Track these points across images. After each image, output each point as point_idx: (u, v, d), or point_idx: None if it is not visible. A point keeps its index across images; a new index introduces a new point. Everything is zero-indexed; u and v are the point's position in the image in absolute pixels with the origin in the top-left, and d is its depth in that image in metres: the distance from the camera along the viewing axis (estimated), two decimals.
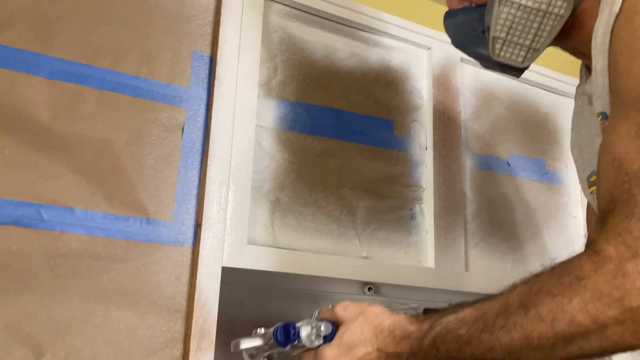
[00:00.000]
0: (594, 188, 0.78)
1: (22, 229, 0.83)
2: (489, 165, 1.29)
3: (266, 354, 0.78)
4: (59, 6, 0.91)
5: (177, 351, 0.88)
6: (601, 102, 0.68)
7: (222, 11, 1.03)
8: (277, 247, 1.01)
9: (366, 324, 0.73)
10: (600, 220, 0.60)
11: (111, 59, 0.93)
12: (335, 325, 0.74)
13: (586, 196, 0.82)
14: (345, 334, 0.73)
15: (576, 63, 0.84)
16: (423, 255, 1.16)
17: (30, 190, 0.84)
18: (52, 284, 0.83)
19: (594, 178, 0.77)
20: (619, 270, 0.54)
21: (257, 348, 0.78)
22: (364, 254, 1.10)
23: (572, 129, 0.88)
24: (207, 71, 1.01)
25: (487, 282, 1.19)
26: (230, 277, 0.98)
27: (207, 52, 1.02)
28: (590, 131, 0.79)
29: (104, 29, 0.94)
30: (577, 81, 0.85)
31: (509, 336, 0.60)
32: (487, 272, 1.22)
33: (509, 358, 0.62)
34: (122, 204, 0.90)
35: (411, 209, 1.18)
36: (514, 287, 0.63)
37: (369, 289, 1.35)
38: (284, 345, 0.74)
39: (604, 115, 0.68)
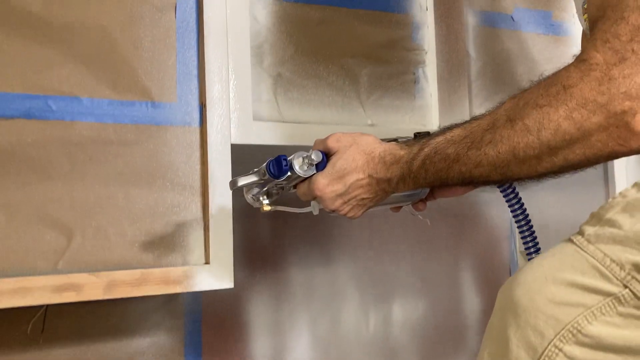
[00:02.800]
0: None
1: (34, 121, 0.85)
2: (492, 22, 1.26)
3: (265, 189, 0.81)
4: None
5: (198, 225, 0.93)
6: None
7: None
8: (283, 122, 1.03)
9: (358, 152, 0.75)
10: (590, 29, 0.60)
11: None
12: (328, 156, 0.76)
13: (581, 24, 0.81)
14: (338, 162, 0.75)
15: None
16: (428, 118, 1.18)
17: (34, 83, 0.86)
18: (71, 170, 0.87)
19: None
20: (605, 76, 0.55)
21: (255, 184, 0.80)
22: (369, 122, 1.12)
23: None
24: None
25: None
26: (240, 154, 1.02)
27: None
28: None
29: None
30: None
31: (496, 150, 0.62)
32: None
33: (496, 173, 0.64)
34: (126, 89, 0.91)
35: (414, 73, 1.18)
36: (501, 104, 0.64)
37: None
38: (278, 177, 0.76)
39: None
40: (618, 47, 0.55)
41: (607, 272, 0.57)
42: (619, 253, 0.57)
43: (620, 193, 0.63)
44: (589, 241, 0.60)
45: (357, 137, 0.76)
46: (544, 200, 1.53)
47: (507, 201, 0.79)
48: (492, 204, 1.59)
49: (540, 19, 1.32)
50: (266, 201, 0.82)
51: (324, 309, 1.35)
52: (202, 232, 0.94)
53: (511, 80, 1.28)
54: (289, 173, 0.76)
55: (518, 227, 0.80)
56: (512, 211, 0.79)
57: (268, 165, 0.76)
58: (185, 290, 0.90)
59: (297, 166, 0.76)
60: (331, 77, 1.09)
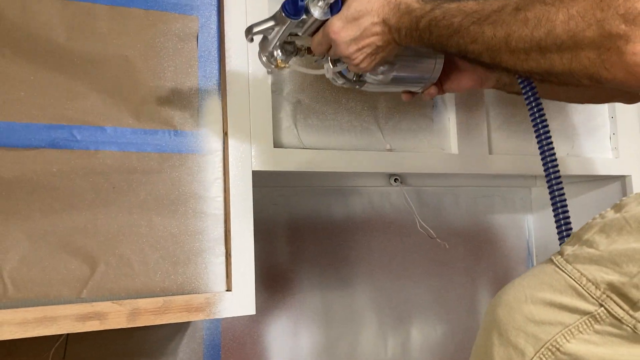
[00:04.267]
0: None
1: (59, 151, 0.86)
2: None
3: (278, 42, 0.81)
4: None
5: (220, 252, 0.94)
6: None
7: None
8: (303, 148, 1.04)
9: None
10: None
11: None
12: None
13: None
14: (353, 4, 0.75)
15: None
16: (446, 142, 1.18)
17: (59, 113, 0.87)
18: (95, 199, 0.88)
19: None
20: None
21: (269, 31, 0.81)
22: (388, 147, 1.12)
23: None
24: None
25: (511, 163, 1.22)
26: (262, 180, 1.02)
27: None
28: None
29: None
30: None
31: (493, 31, 0.63)
32: (510, 153, 1.23)
33: (487, 54, 0.65)
34: (149, 118, 0.92)
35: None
36: None
37: (395, 179, 1.39)
38: (294, 15, 0.76)
39: None
40: None
41: (583, 291, 0.59)
42: (595, 272, 0.59)
43: (600, 214, 0.65)
44: (567, 261, 0.62)
45: None
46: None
47: (525, 99, 0.77)
48: (509, 227, 1.58)
49: None
50: (280, 56, 0.82)
51: (342, 332, 1.34)
52: (224, 259, 0.94)
53: None
54: (304, 16, 0.76)
55: (534, 127, 0.77)
56: (529, 110, 0.77)
57: (284, 4, 0.76)
58: (207, 317, 0.90)
59: (312, 7, 0.75)
60: (350, 102, 1.10)
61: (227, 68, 0.97)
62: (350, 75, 0.87)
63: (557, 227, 0.75)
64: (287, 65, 0.84)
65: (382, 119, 1.12)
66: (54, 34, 0.88)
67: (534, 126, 0.77)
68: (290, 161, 1.01)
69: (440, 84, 0.93)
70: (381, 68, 0.85)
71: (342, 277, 1.36)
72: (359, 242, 1.37)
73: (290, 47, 0.84)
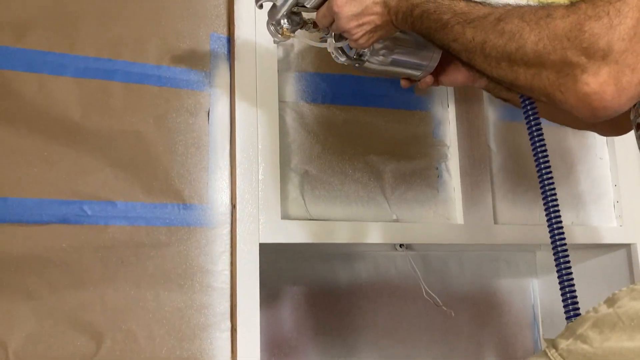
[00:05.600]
0: None
1: (69, 226, 0.87)
2: (512, 116, 1.29)
3: (285, 8, 0.84)
4: (77, 3, 0.92)
5: (225, 327, 0.93)
6: None
7: None
8: (310, 220, 1.05)
9: None
10: None
11: (133, 51, 0.95)
12: None
13: None
14: None
15: None
16: (452, 212, 1.19)
17: (71, 188, 0.88)
18: (103, 274, 0.88)
19: None
20: (579, 24, 0.59)
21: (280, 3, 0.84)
22: (394, 217, 1.13)
23: None
24: (226, 52, 1.02)
25: (517, 233, 1.22)
26: (268, 251, 1.03)
27: (224, 33, 1.03)
28: None
29: (123, 22, 0.95)
30: None
31: (472, 35, 0.68)
32: (516, 223, 1.24)
33: (464, 54, 0.70)
34: (159, 192, 0.93)
35: (437, 168, 1.20)
36: (508, 4, 0.70)
37: (400, 245, 1.39)
38: None
39: None
40: (599, 3, 0.58)
41: None
42: None
43: (593, 308, 0.66)
44: (562, 356, 0.63)
45: None
46: None
47: (524, 113, 0.81)
48: (514, 291, 1.57)
49: None
50: (287, 25, 0.86)
51: None
52: (229, 334, 0.93)
53: (532, 173, 1.30)
54: None
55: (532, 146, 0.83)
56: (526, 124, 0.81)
57: None
58: None
59: None
60: (357, 173, 1.11)
61: (237, 142, 0.98)
62: (352, 53, 0.92)
63: (562, 301, 0.76)
64: (292, 35, 0.88)
65: (388, 189, 1.13)
66: (69, 110, 0.90)
67: (539, 177, 0.83)
68: (297, 233, 1.02)
69: (436, 76, 0.98)
70: (382, 50, 0.90)
71: (348, 344, 1.34)
72: (365, 309, 1.36)
73: (297, 18, 0.88)
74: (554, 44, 0.60)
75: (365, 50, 0.89)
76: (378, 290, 1.38)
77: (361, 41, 0.84)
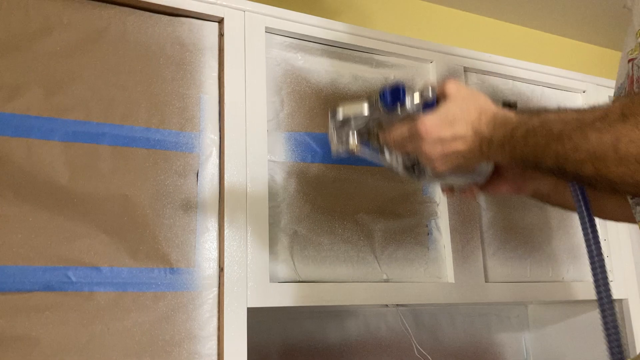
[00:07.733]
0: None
1: (52, 294, 0.85)
2: None
3: (360, 124, 0.77)
4: (67, 68, 0.93)
5: None
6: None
7: (225, 50, 1.04)
8: (299, 282, 1.03)
9: (474, 105, 0.73)
10: None
11: (122, 114, 0.95)
12: (437, 100, 0.74)
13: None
14: (452, 108, 0.73)
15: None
16: (442, 270, 1.18)
17: (55, 254, 0.87)
18: (88, 343, 0.85)
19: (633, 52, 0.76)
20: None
21: (358, 119, 0.77)
22: (384, 277, 1.12)
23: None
24: (216, 114, 1.02)
25: (508, 291, 1.21)
26: (257, 313, 1.01)
27: (214, 94, 1.03)
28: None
29: (112, 85, 0.95)
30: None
31: (599, 136, 0.59)
32: (506, 281, 1.23)
33: (590, 163, 0.61)
34: (146, 256, 0.92)
35: (427, 225, 1.19)
36: (616, 100, 0.64)
37: None
38: (390, 106, 0.74)
39: None
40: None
41: None
42: None
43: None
44: None
45: (474, 91, 0.75)
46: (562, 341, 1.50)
47: (577, 209, 0.73)
48: (506, 345, 1.55)
49: None
50: (356, 141, 0.78)
51: None
52: None
53: (522, 229, 1.30)
54: (397, 105, 0.74)
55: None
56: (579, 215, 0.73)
57: (384, 94, 0.74)
58: None
59: (409, 100, 0.73)
60: (346, 233, 1.11)
61: (226, 203, 0.98)
62: (411, 167, 0.83)
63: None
64: (359, 150, 0.81)
65: (378, 248, 1.12)
66: (56, 175, 0.89)
67: (585, 241, 0.72)
68: (286, 296, 1.00)
69: (477, 185, 0.90)
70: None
71: None
72: None
73: (365, 133, 0.81)
74: None
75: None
76: (369, 348, 1.36)
77: (439, 165, 0.76)
